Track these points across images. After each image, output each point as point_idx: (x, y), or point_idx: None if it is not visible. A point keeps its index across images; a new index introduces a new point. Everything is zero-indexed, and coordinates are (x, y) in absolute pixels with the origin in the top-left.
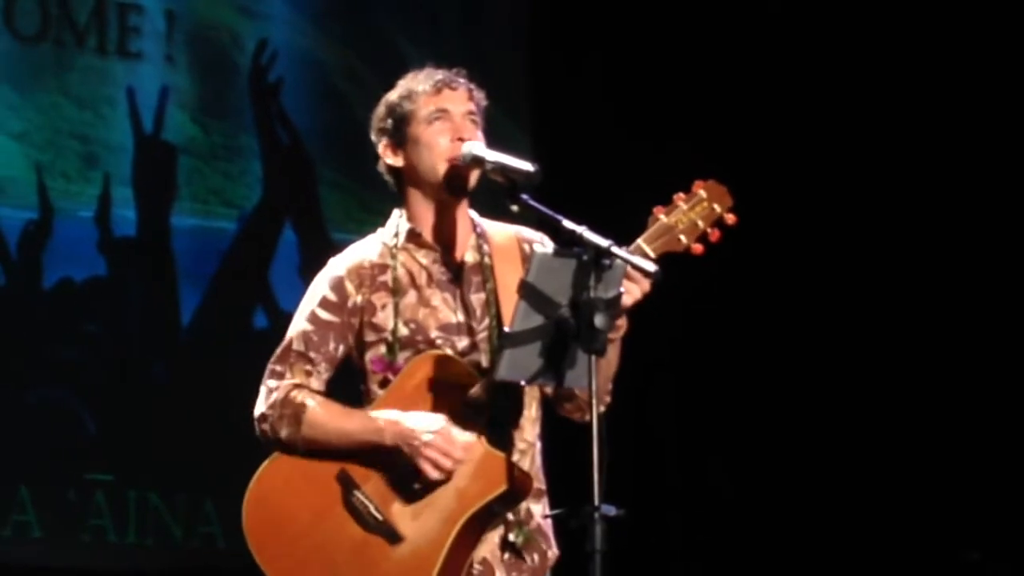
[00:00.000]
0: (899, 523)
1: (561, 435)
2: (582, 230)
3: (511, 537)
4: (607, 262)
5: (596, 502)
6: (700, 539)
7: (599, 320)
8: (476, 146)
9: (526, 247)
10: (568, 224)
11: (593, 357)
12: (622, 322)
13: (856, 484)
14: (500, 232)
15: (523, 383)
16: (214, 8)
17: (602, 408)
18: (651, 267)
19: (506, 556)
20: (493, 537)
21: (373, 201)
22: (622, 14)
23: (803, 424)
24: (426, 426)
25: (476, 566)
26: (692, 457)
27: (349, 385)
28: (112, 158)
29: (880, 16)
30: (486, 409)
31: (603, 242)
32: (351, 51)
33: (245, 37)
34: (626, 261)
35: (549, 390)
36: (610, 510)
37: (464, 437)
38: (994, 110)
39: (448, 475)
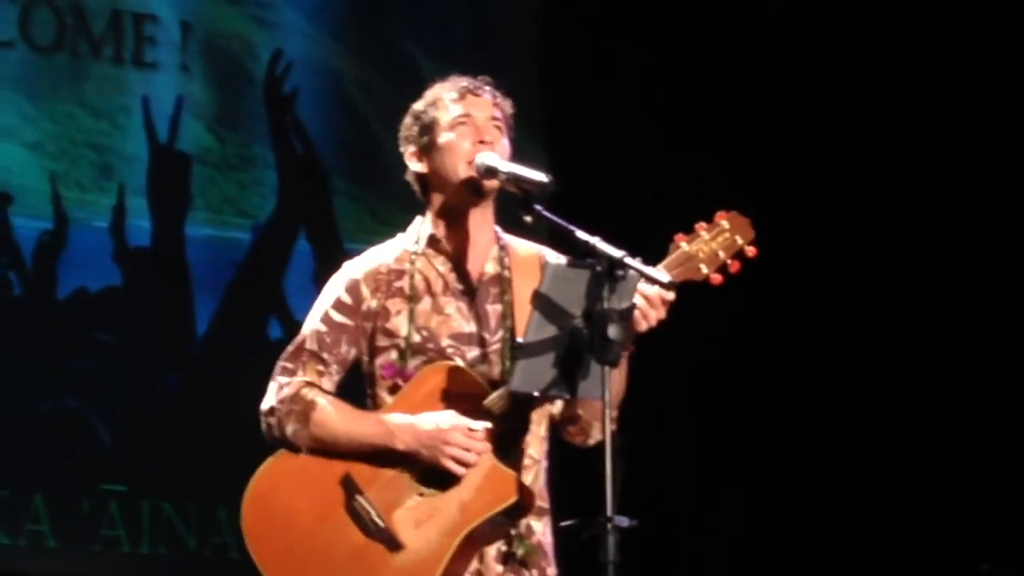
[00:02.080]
0: (910, 536)
1: (570, 452)
2: (595, 241)
3: (513, 549)
4: (620, 273)
5: (609, 513)
6: (711, 551)
7: (612, 331)
8: (490, 156)
9: None
10: (581, 235)
11: (606, 368)
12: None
13: (867, 498)
14: (524, 248)
15: (536, 394)
16: (229, 18)
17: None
18: (664, 277)
19: (501, 569)
20: (491, 551)
21: (386, 211)
22: (635, 24)
23: (813, 436)
24: (441, 424)
25: None
26: (704, 471)
27: (357, 387)
28: (127, 168)
29: (882, 16)
30: (499, 420)
31: (616, 253)
32: (366, 62)
33: (260, 47)
34: (639, 272)
35: (556, 411)
36: (623, 521)
37: (480, 425)
38: (996, 110)
39: (471, 466)
